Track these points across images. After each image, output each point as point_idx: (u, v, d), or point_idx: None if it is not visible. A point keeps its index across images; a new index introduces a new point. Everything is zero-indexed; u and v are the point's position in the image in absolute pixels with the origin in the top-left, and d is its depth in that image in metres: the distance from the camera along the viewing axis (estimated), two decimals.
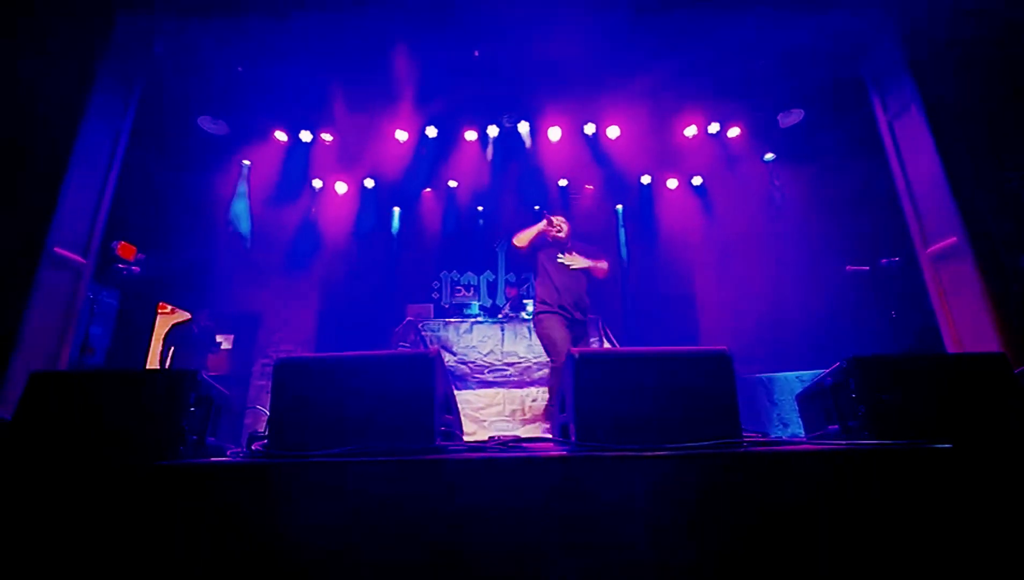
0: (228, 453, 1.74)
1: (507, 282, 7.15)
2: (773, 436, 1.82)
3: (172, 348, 5.12)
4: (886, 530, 1.20)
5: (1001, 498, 1.22)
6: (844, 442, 1.54)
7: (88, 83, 3.70)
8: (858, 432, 1.51)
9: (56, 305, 3.46)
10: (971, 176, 3.66)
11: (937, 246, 3.85)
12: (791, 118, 5.64)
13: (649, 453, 1.34)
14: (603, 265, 3.79)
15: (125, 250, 4.60)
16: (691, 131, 5.91)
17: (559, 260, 3.73)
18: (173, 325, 5.47)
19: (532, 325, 3.77)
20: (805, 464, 1.28)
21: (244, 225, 5.93)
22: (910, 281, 4.21)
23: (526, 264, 7.22)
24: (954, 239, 3.69)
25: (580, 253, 3.80)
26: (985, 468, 1.26)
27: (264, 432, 1.65)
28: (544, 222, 3.79)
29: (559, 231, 3.79)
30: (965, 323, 3.63)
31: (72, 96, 3.64)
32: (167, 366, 4.94)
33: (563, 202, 6.87)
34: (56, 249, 3.43)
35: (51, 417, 1.46)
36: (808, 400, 1.99)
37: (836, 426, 1.68)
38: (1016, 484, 1.24)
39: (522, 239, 3.83)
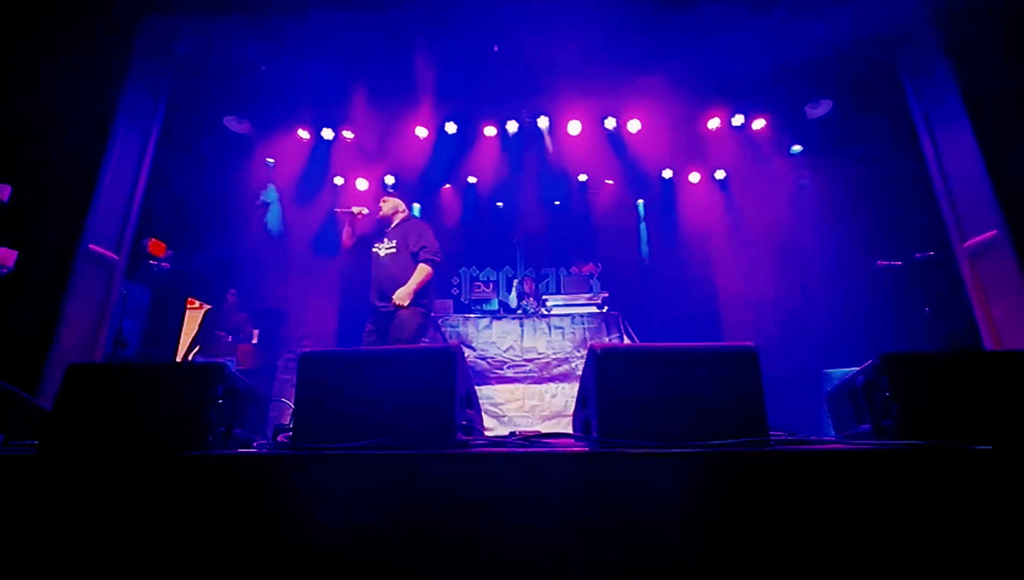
0: (255, 444, 1.78)
1: (526, 277, 7.14)
2: (800, 435, 1.77)
3: (198, 347, 5.27)
4: (921, 533, 1.16)
5: None
6: (877, 442, 1.49)
7: (118, 86, 3.82)
8: (892, 432, 1.45)
9: (91, 300, 3.59)
10: (1013, 166, 3.50)
11: (975, 240, 3.69)
12: (819, 109, 5.48)
13: (672, 450, 1.32)
14: (423, 275, 3.31)
15: (156, 247, 4.74)
16: (714, 124, 5.79)
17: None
18: (206, 313, 5.64)
19: None
20: (836, 464, 1.24)
21: (275, 226, 6.07)
22: (945, 276, 4.05)
23: (547, 260, 7.22)
24: (994, 232, 3.54)
25: (401, 243, 3.42)
26: None
27: (289, 424, 1.68)
28: (346, 217, 3.51)
29: (359, 213, 3.50)
30: (1004, 319, 3.48)
31: (103, 99, 3.76)
32: (191, 358, 5.09)
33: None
34: (91, 246, 3.55)
35: (88, 408, 1.51)
36: (838, 399, 1.93)
37: (868, 425, 1.62)
38: None
39: (343, 239, 3.56)
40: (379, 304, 3.30)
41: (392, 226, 3.53)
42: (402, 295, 3.23)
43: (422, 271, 3.31)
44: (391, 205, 3.56)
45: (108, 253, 3.71)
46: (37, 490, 1.30)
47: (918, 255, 4.24)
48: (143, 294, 4.99)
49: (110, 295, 3.74)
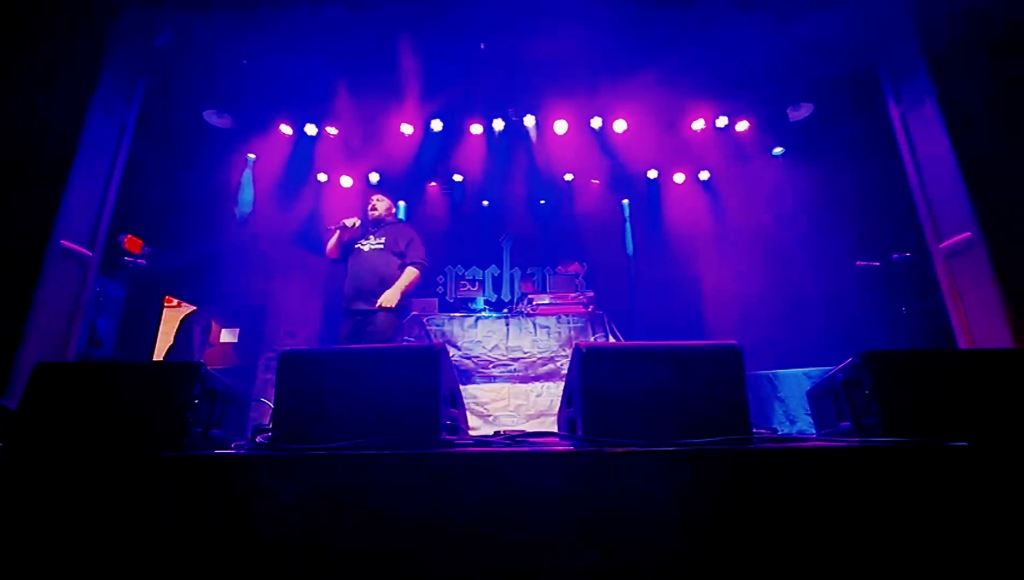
0: (232, 445, 1.73)
1: (525, 276, 7.12)
2: (782, 433, 1.79)
3: (175, 350, 5.18)
4: (901, 529, 1.18)
5: (1020, 498, 1.19)
6: (857, 439, 1.51)
7: (93, 76, 3.70)
8: (872, 429, 1.47)
9: (63, 297, 3.47)
10: (986, 169, 3.59)
11: (950, 241, 3.78)
12: (800, 112, 5.57)
13: (657, 449, 1.32)
14: (411, 277, 3.32)
15: (131, 243, 4.61)
16: (699, 125, 5.85)
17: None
18: (183, 319, 5.51)
19: None
20: (818, 461, 1.25)
21: (246, 207, 5.94)
22: (922, 277, 4.15)
23: (533, 259, 7.22)
24: (968, 234, 3.63)
25: (390, 241, 3.42)
26: (1003, 467, 1.23)
27: (269, 425, 1.64)
28: (335, 228, 3.51)
29: (372, 209, 3.52)
30: (978, 319, 3.57)
31: (77, 89, 3.64)
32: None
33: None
34: (63, 242, 3.44)
35: (56, 408, 1.46)
36: (819, 396, 1.96)
37: (848, 423, 1.65)
38: None
39: (329, 251, 3.57)
40: (357, 305, 3.19)
41: (381, 226, 3.51)
42: (390, 297, 3.19)
43: (411, 274, 3.30)
44: (385, 206, 3.57)
45: (81, 249, 3.60)
46: (1, 493, 1.25)
47: (896, 256, 4.34)
48: (118, 292, 4.86)
49: (83, 292, 3.63)
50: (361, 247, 3.44)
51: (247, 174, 6.02)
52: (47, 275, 3.31)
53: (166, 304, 5.77)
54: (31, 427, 1.44)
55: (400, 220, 3.75)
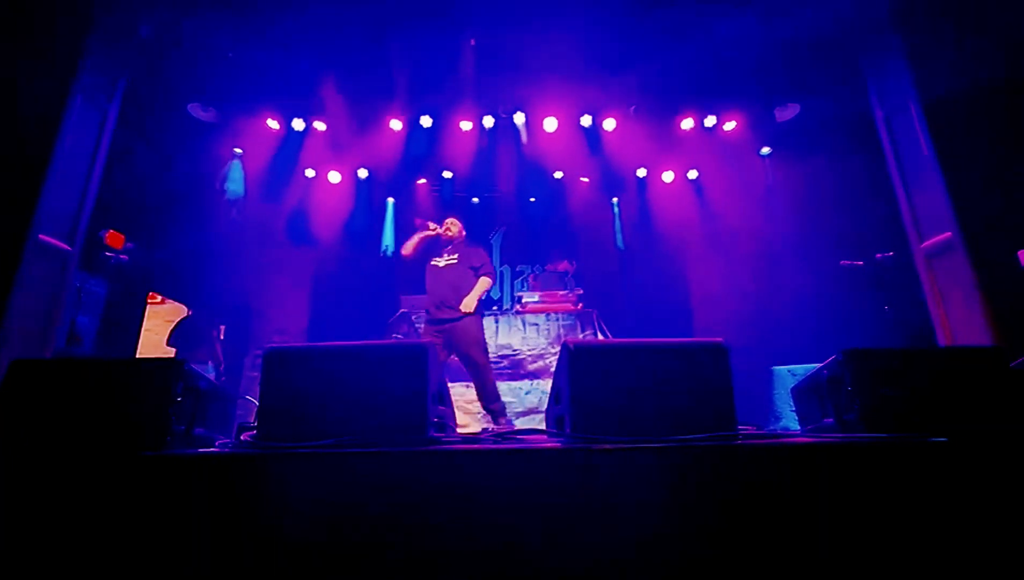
0: (216, 444, 1.71)
1: (533, 273, 7.07)
2: (767, 429, 1.81)
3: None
4: (882, 523, 1.20)
5: (996, 492, 1.22)
6: (840, 435, 1.53)
7: (73, 67, 3.61)
8: (854, 425, 1.50)
9: (41, 293, 3.39)
10: (966, 171, 3.67)
11: (932, 241, 3.86)
12: (787, 112, 5.63)
13: (644, 445, 1.32)
14: (485, 285, 3.70)
15: (113, 238, 4.51)
16: (687, 124, 5.88)
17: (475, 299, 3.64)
18: (178, 322, 5.46)
19: None
20: (801, 457, 1.27)
21: (238, 187, 5.85)
22: (904, 276, 4.22)
23: (523, 257, 7.22)
24: (948, 234, 3.70)
25: (463, 258, 3.77)
26: (980, 462, 1.25)
27: (253, 423, 1.62)
28: (419, 229, 3.82)
29: (440, 233, 3.83)
30: (958, 317, 3.65)
31: (56, 80, 3.55)
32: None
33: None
34: (41, 236, 3.36)
35: (32, 406, 1.42)
36: (803, 393, 1.98)
37: (831, 419, 1.67)
38: (1011, 478, 1.23)
39: (406, 248, 3.85)
40: (441, 314, 3.57)
41: (453, 244, 3.86)
42: (469, 303, 3.57)
43: (485, 282, 3.71)
44: (459, 228, 3.93)
45: (60, 244, 3.52)
46: None
47: (879, 255, 4.41)
48: (99, 288, 4.75)
49: (62, 289, 3.55)
50: (436, 264, 3.75)
51: (236, 163, 5.93)
52: (24, 270, 3.23)
53: (149, 301, 5.66)
54: (6, 427, 1.41)
55: (471, 241, 4.07)
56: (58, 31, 3.62)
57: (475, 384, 3.62)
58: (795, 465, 1.26)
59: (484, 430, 3.51)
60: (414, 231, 4.03)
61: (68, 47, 3.62)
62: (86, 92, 3.71)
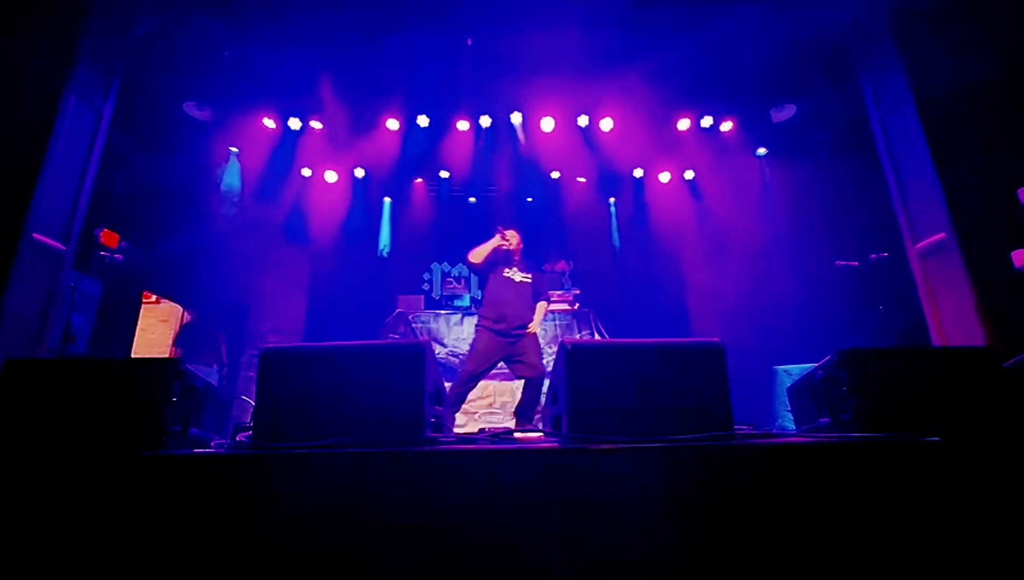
0: (212, 444, 1.70)
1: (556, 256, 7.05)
2: (763, 429, 1.82)
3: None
4: (875, 522, 1.20)
5: (989, 491, 1.23)
6: (835, 435, 1.54)
7: (67, 65, 3.59)
8: (849, 425, 1.51)
9: (35, 293, 3.37)
10: (960, 172, 3.69)
11: (926, 242, 3.88)
12: (783, 113, 5.65)
13: (641, 445, 1.33)
14: (542, 307, 3.81)
15: (108, 238, 4.48)
16: (684, 125, 5.90)
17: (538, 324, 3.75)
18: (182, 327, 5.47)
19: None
20: (797, 457, 1.28)
21: (234, 185, 5.82)
22: (898, 276, 4.25)
23: (481, 279, 7.19)
24: (942, 235, 3.73)
25: (536, 281, 3.85)
26: (973, 461, 1.26)
27: (250, 423, 1.62)
28: (498, 237, 3.81)
29: (509, 245, 3.83)
30: (951, 317, 3.68)
31: (50, 78, 3.53)
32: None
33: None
34: (35, 235, 3.34)
35: (26, 406, 1.41)
36: (799, 393, 1.99)
37: (827, 419, 1.68)
38: (1004, 476, 1.24)
39: (477, 255, 3.80)
40: (513, 327, 3.65)
41: (517, 258, 3.89)
42: (535, 326, 3.73)
43: (544, 307, 3.84)
44: (518, 239, 3.92)
45: (54, 243, 3.49)
46: None
47: (873, 256, 4.43)
48: (94, 287, 4.72)
49: (57, 288, 3.53)
50: (511, 277, 3.79)
51: (233, 161, 5.91)
52: (18, 270, 3.21)
53: (144, 300, 5.63)
54: (0, 427, 1.40)
55: (527, 259, 4.14)
56: (52, 28, 3.59)
57: (530, 392, 3.64)
58: (791, 465, 1.27)
59: (481, 430, 3.52)
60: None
61: (62, 44, 3.59)
62: (81, 90, 3.68)
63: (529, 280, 3.84)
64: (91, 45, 3.76)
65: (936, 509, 1.21)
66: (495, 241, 3.80)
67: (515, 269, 3.84)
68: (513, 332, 3.66)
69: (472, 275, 7.10)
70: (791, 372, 4.41)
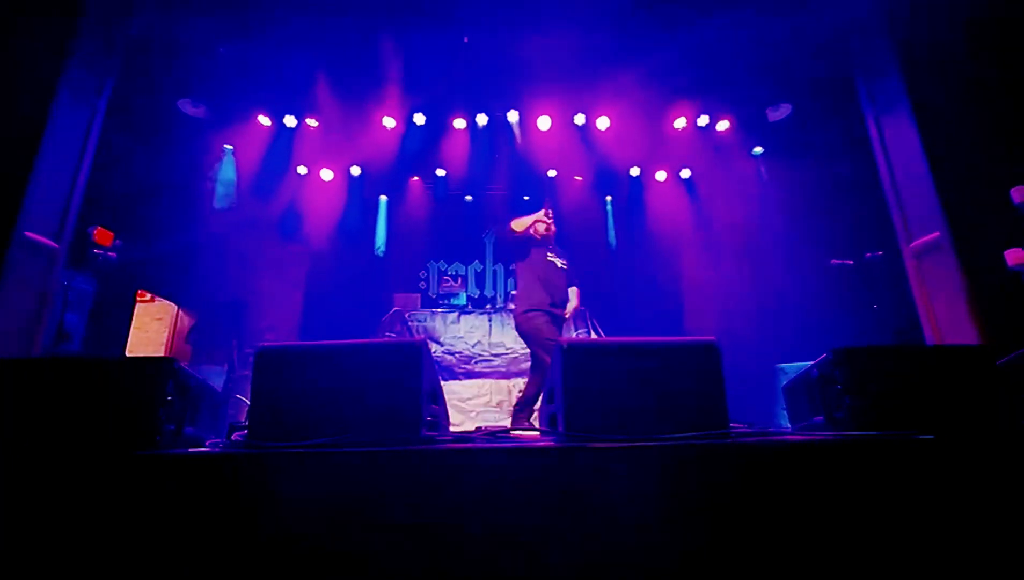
0: (207, 443, 1.69)
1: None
2: (758, 427, 1.83)
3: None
4: (870, 519, 1.21)
5: (982, 488, 1.24)
6: (830, 433, 1.55)
7: (60, 61, 3.56)
8: (844, 423, 1.51)
9: (28, 291, 3.34)
10: (955, 172, 3.71)
11: (920, 241, 3.90)
12: (779, 112, 5.67)
13: (637, 443, 1.33)
14: (575, 292, 3.90)
15: (102, 236, 4.45)
16: (681, 123, 5.90)
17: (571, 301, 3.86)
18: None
19: (517, 320, 3.72)
20: (792, 455, 1.28)
21: (229, 183, 5.80)
22: (893, 275, 4.27)
23: (512, 254, 7.20)
24: (937, 234, 3.75)
25: (570, 268, 3.93)
26: (967, 458, 1.27)
27: (245, 422, 1.61)
28: (543, 211, 3.90)
29: (548, 223, 3.89)
30: (945, 316, 3.70)
31: (43, 74, 3.49)
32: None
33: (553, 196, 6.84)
34: (27, 233, 3.31)
35: (19, 406, 1.40)
36: (794, 391, 2.00)
37: (821, 417, 1.69)
38: (997, 474, 1.25)
39: (520, 224, 3.88)
40: (557, 311, 3.74)
41: (554, 244, 3.99)
42: (571, 311, 3.84)
43: (578, 292, 3.93)
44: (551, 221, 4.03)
45: (47, 241, 3.47)
46: None
47: (868, 254, 4.46)
48: (87, 285, 4.70)
49: (49, 286, 3.50)
50: (554, 261, 3.87)
51: (228, 160, 5.87)
52: (10, 268, 3.18)
53: (139, 299, 5.60)
54: None
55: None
56: (45, 26, 3.56)
57: (537, 382, 3.62)
58: (785, 462, 1.27)
59: (478, 429, 3.52)
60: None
61: (56, 42, 3.56)
62: (74, 88, 3.65)
63: (566, 266, 3.93)
64: (85, 43, 3.73)
65: (930, 506, 1.22)
66: (539, 214, 3.87)
67: (554, 254, 3.92)
68: (558, 313, 3.73)
69: (468, 273, 7.09)
70: (787, 370, 4.43)
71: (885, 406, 1.46)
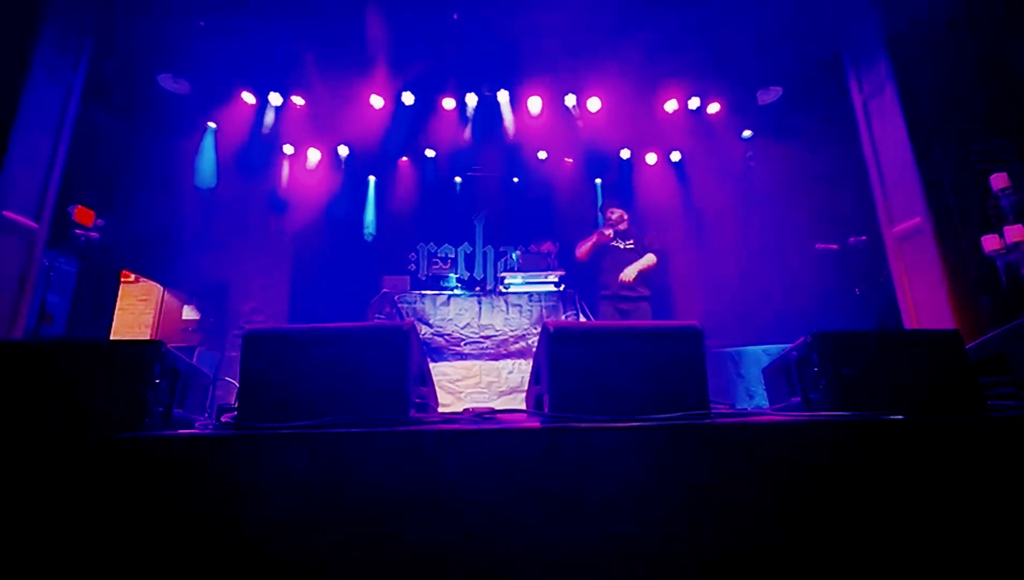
0: (196, 425, 1.71)
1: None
2: (739, 407, 1.88)
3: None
4: (842, 495, 1.27)
5: (948, 466, 1.30)
6: (805, 413, 1.60)
7: (31, 34, 3.43)
8: (819, 404, 1.57)
9: (8, 273, 3.29)
10: (938, 158, 3.76)
11: (902, 225, 3.97)
12: (769, 95, 5.66)
13: (620, 424, 1.37)
14: (650, 261, 4.07)
15: (82, 215, 4.36)
16: (671, 106, 5.88)
17: (621, 278, 4.04)
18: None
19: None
20: (768, 434, 1.33)
21: (208, 179, 5.70)
22: (876, 259, 4.35)
23: (506, 238, 7.20)
24: (918, 219, 3.81)
25: (638, 243, 4.14)
26: (934, 438, 1.33)
27: (234, 404, 1.62)
28: (596, 236, 4.17)
29: (610, 236, 4.15)
30: (923, 300, 3.79)
31: (14, 49, 3.37)
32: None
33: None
34: (5, 213, 3.24)
35: (3, 389, 1.40)
36: (773, 373, 2.06)
37: (799, 398, 1.74)
38: (964, 453, 1.31)
39: (583, 252, 4.21)
40: (624, 294, 3.94)
41: (625, 228, 4.19)
42: (630, 272, 3.97)
43: (649, 258, 4.10)
44: (620, 214, 4.26)
45: (26, 221, 3.40)
46: None
47: (852, 239, 4.53)
48: (70, 266, 4.62)
49: (30, 267, 3.44)
50: (618, 245, 4.05)
51: (207, 142, 5.74)
52: None
53: (122, 279, 5.53)
54: None
55: (635, 223, 4.50)
56: None
57: None
58: (762, 441, 1.32)
59: (465, 410, 3.57)
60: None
61: (25, 15, 3.43)
62: (48, 62, 3.54)
63: (632, 246, 4.13)
64: (57, 16, 3.59)
65: (899, 482, 1.28)
66: (594, 239, 4.15)
67: (620, 241, 4.14)
68: (623, 296, 3.96)
69: (458, 254, 7.08)
70: (770, 352, 4.52)
71: (858, 387, 1.52)
